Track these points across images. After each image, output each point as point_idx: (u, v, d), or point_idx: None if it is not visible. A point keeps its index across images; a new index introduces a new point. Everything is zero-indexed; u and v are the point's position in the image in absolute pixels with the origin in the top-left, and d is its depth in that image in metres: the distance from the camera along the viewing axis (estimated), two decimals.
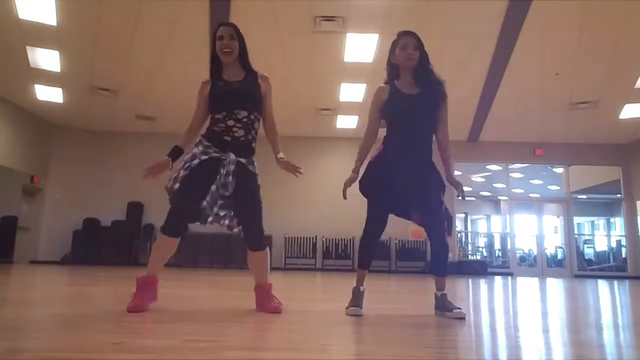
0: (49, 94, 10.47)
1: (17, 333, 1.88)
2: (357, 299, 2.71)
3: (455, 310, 2.60)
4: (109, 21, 8.32)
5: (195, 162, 2.56)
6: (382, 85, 2.82)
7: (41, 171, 11.86)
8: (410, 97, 2.73)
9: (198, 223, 2.62)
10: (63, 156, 12.26)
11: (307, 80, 9.95)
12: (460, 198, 2.79)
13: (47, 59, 9.15)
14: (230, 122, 2.62)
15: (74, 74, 9.74)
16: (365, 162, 2.82)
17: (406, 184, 2.68)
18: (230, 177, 2.56)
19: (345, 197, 2.81)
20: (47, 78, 9.81)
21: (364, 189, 2.78)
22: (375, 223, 2.76)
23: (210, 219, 2.58)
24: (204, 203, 2.53)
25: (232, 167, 2.57)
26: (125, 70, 9.65)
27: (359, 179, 2.80)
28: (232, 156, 2.58)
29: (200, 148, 2.60)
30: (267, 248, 2.73)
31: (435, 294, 2.75)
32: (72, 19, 8.22)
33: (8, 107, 10.73)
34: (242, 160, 2.62)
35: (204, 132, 2.70)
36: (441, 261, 2.73)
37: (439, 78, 2.77)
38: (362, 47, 8.82)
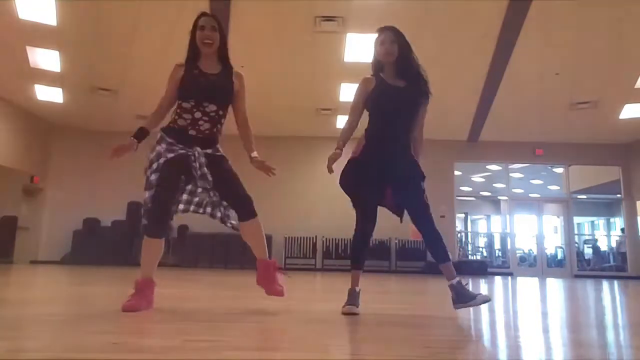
0: (49, 94, 10.47)
1: (17, 333, 1.88)
2: (352, 298, 2.71)
3: (478, 297, 2.48)
4: (109, 21, 8.32)
5: (162, 160, 2.55)
6: (368, 76, 2.85)
7: (41, 171, 11.86)
8: (396, 88, 2.76)
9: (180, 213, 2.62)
10: (63, 156, 12.27)
11: (307, 80, 9.95)
12: None
13: (47, 59, 9.15)
14: (197, 114, 2.60)
15: (74, 74, 9.74)
16: (347, 156, 2.81)
17: (388, 174, 2.69)
18: (205, 169, 2.57)
19: (331, 171, 2.77)
20: (47, 78, 9.81)
21: (345, 188, 2.79)
22: (364, 220, 2.77)
23: (192, 208, 2.60)
24: (180, 206, 2.55)
25: (202, 159, 2.57)
26: (125, 70, 9.65)
27: (339, 176, 2.79)
28: (198, 150, 2.57)
29: (164, 145, 2.58)
30: (257, 218, 2.68)
31: (451, 284, 2.60)
32: (72, 19, 8.22)
33: (8, 107, 10.74)
34: (208, 150, 2.62)
35: (165, 127, 2.66)
36: (439, 247, 2.67)
37: (423, 74, 2.79)
38: (362, 47, 8.81)
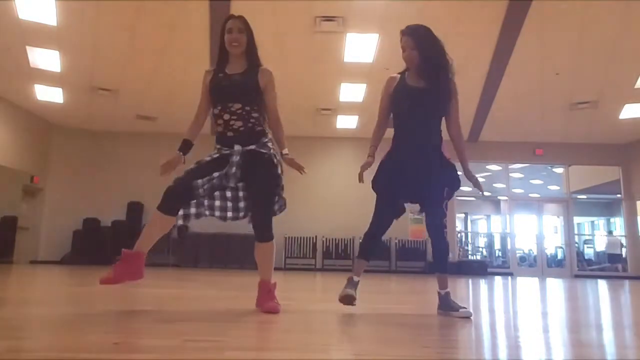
0: (49, 94, 10.47)
1: (17, 333, 1.88)
2: (350, 284, 2.72)
3: (461, 310, 2.59)
4: (109, 21, 8.32)
5: (207, 158, 2.62)
6: (393, 75, 2.85)
7: (41, 171, 11.86)
8: (416, 90, 2.74)
9: (207, 213, 2.59)
10: (63, 156, 12.27)
11: (307, 80, 9.95)
12: (480, 193, 2.84)
13: (47, 59, 9.15)
14: (226, 116, 2.63)
15: (74, 74, 9.74)
16: (378, 161, 2.82)
17: (414, 176, 2.69)
18: (234, 169, 2.56)
19: (361, 181, 2.77)
20: (47, 78, 9.82)
21: (376, 187, 2.80)
22: (380, 220, 2.77)
23: (205, 204, 2.57)
24: (199, 182, 2.51)
25: (236, 158, 2.56)
26: (125, 70, 9.65)
27: (372, 178, 2.80)
28: (237, 147, 2.59)
29: (214, 151, 2.66)
30: (272, 242, 2.67)
31: (439, 293, 2.73)
32: (72, 19, 8.22)
33: (8, 107, 10.74)
34: (251, 147, 2.61)
35: (215, 135, 2.73)
36: (440, 258, 2.74)
37: (447, 72, 2.75)
38: (362, 47, 8.82)
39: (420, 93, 2.72)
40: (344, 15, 8.18)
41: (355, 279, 2.76)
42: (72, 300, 3.32)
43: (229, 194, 2.62)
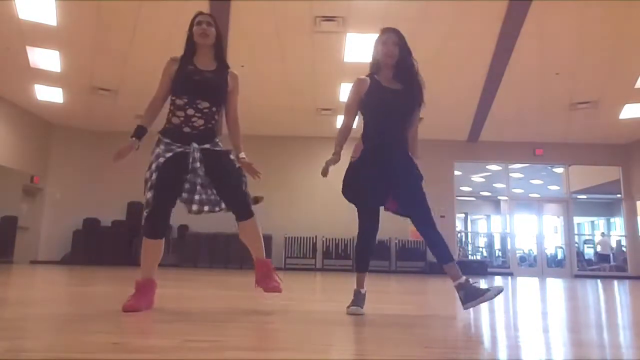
0: (49, 94, 10.46)
1: (17, 333, 1.88)
2: (357, 300, 2.71)
3: (491, 289, 2.42)
4: (109, 21, 8.32)
5: (161, 160, 2.55)
6: (362, 77, 2.84)
7: (41, 171, 11.86)
8: (391, 90, 2.75)
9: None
10: (63, 156, 12.26)
11: (307, 80, 9.95)
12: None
13: (47, 59, 9.14)
14: (190, 111, 2.61)
15: (74, 74, 9.73)
16: (347, 162, 2.82)
17: (387, 176, 2.68)
18: (198, 164, 2.56)
19: (324, 175, 2.75)
20: (47, 78, 9.81)
21: (347, 195, 2.79)
22: (366, 223, 2.76)
23: (195, 207, 2.57)
24: (184, 195, 2.53)
25: (197, 154, 2.56)
26: (125, 70, 9.65)
27: (341, 185, 2.79)
28: (194, 145, 2.57)
29: (162, 147, 2.59)
30: (255, 217, 2.66)
31: (459, 284, 2.51)
32: (72, 19, 8.21)
33: (8, 107, 10.73)
34: (206, 145, 2.61)
35: (161, 129, 2.68)
36: (442, 248, 2.62)
37: (420, 79, 2.78)
38: (362, 47, 8.80)
39: (396, 94, 2.74)
40: (344, 15, 8.17)
41: (362, 291, 2.76)
42: (72, 300, 3.32)
43: (198, 187, 2.59)
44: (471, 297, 2.44)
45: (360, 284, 2.78)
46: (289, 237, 11.85)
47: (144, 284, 2.55)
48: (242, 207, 2.64)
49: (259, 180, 2.74)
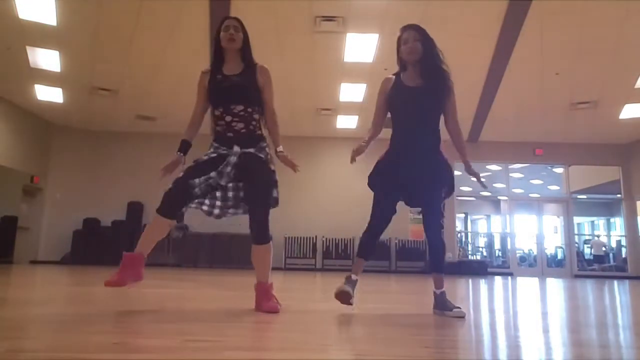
0: (49, 94, 10.47)
1: (17, 333, 1.88)
2: (348, 283, 2.72)
3: (455, 310, 2.61)
4: (109, 21, 8.32)
5: (204, 157, 2.62)
6: (389, 76, 2.86)
7: (41, 171, 11.86)
8: (412, 89, 2.75)
9: (193, 206, 2.58)
10: (63, 156, 12.27)
11: (307, 80, 9.95)
12: (484, 188, 2.86)
13: (47, 59, 9.15)
14: (228, 118, 2.64)
15: (74, 74, 9.74)
16: (375, 159, 2.84)
17: (411, 176, 2.70)
18: (229, 168, 2.56)
19: (353, 161, 2.74)
20: (47, 78, 9.81)
21: (371, 184, 2.82)
22: (378, 217, 2.76)
23: (196, 204, 2.57)
24: (195, 181, 2.52)
25: (233, 158, 2.57)
26: (125, 70, 9.65)
27: (368, 175, 2.83)
28: (236, 149, 2.60)
29: (211, 149, 2.66)
30: (269, 244, 2.67)
31: (434, 292, 2.75)
32: (72, 19, 8.22)
33: (8, 107, 10.74)
34: (250, 150, 2.62)
35: (213, 134, 2.73)
36: (437, 258, 2.73)
37: (445, 70, 2.76)
38: (362, 47, 8.81)
39: (417, 93, 2.73)
40: (344, 15, 8.17)
41: (354, 277, 2.75)
42: (72, 300, 3.32)
43: (218, 193, 2.62)
44: (439, 307, 2.70)
45: (355, 270, 2.77)
46: (289, 237, 11.85)
47: (132, 257, 2.47)
48: (260, 231, 2.62)
49: (301, 175, 2.76)
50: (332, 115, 11.24)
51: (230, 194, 2.64)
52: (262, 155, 2.65)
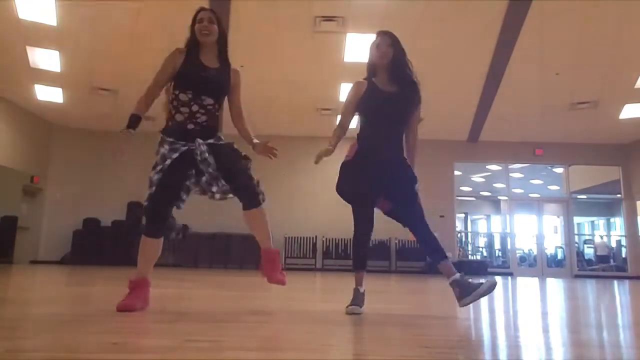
0: (49, 94, 10.47)
1: (17, 333, 1.88)
2: (357, 299, 2.71)
3: (484, 283, 2.41)
4: (109, 21, 8.32)
5: (167, 162, 2.51)
6: (361, 80, 2.88)
7: (41, 171, 11.86)
8: (387, 93, 2.78)
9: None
10: (63, 156, 12.27)
11: (307, 80, 9.95)
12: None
13: (47, 59, 9.15)
14: (195, 107, 2.58)
15: (74, 74, 9.73)
16: (340, 161, 2.85)
17: (381, 176, 2.71)
18: (207, 154, 2.52)
19: (316, 162, 2.75)
20: (47, 78, 9.81)
21: (342, 193, 2.83)
22: (362, 222, 2.78)
23: (217, 196, 2.57)
24: (183, 197, 2.55)
25: (204, 147, 2.52)
26: (125, 70, 9.64)
27: (336, 182, 2.84)
28: (199, 141, 2.53)
29: (167, 147, 2.54)
30: (262, 207, 2.62)
31: (452, 281, 2.52)
32: (72, 19, 8.21)
33: (8, 107, 10.73)
34: (210, 141, 2.57)
35: (163, 128, 2.64)
36: (436, 248, 2.64)
37: (414, 79, 2.81)
38: (362, 47, 8.79)
39: (393, 97, 2.77)
40: (344, 15, 8.17)
41: (361, 289, 2.75)
42: (72, 300, 3.32)
43: (203, 178, 2.57)
44: (466, 292, 2.43)
45: (358, 282, 2.78)
46: (289, 237, 11.85)
47: (138, 283, 2.52)
48: (251, 195, 2.58)
49: (275, 158, 2.69)
50: (332, 115, 11.23)
51: (219, 182, 2.57)
52: (222, 142, 2.62)
